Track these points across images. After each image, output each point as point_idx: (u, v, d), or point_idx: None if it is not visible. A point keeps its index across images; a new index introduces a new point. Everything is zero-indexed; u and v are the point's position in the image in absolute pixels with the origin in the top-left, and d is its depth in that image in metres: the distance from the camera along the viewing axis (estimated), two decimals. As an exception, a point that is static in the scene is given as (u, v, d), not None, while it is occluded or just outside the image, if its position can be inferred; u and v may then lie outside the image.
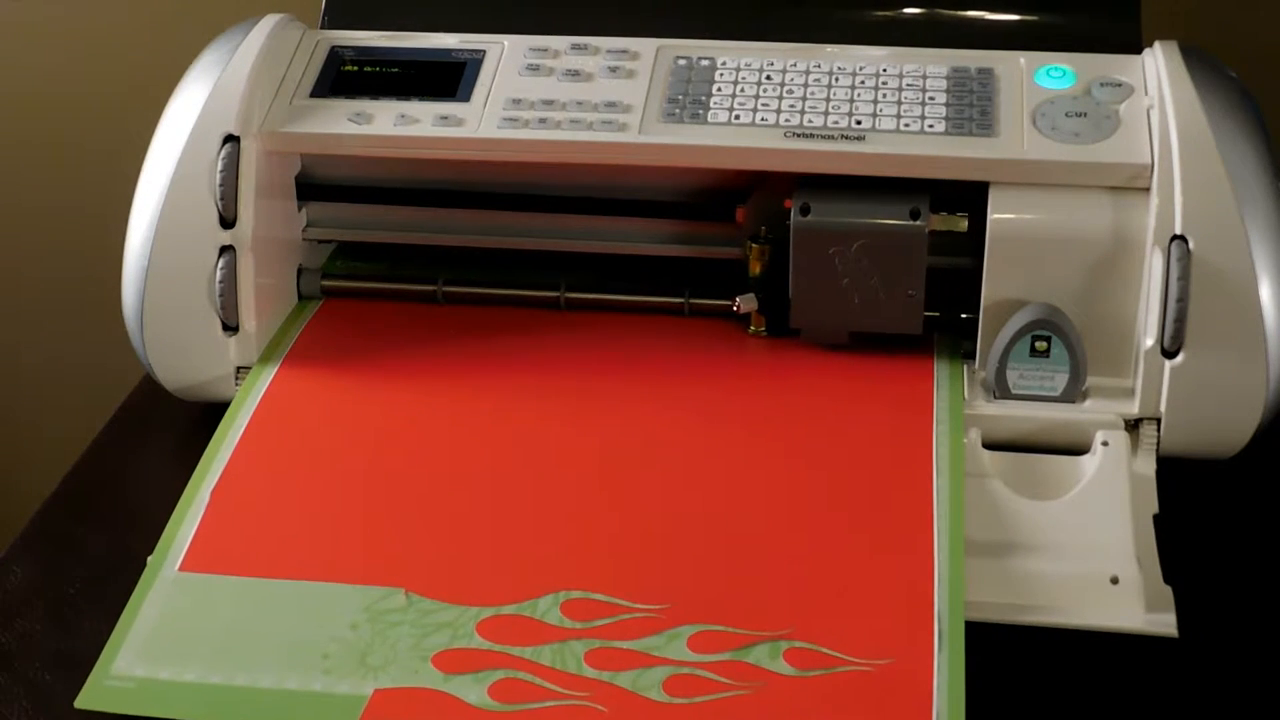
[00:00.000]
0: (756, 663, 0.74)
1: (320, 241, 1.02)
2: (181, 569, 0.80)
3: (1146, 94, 0.90)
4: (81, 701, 0.74)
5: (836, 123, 0.90)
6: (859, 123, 0.90)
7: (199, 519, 0.82)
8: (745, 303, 0.94)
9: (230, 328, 0.92)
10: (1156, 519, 0.82)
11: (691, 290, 0.96)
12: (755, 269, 0.94)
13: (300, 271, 0.99)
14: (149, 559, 0.80)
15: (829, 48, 0.95)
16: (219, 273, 0.91)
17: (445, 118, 0.93)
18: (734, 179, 0.94)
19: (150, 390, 0.97)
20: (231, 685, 0.74)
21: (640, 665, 0.74)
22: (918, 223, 0.89)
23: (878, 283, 0.90)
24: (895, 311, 0.90)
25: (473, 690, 0.73)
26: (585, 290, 0.97)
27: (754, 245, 0.93)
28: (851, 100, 0.91)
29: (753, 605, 0.76)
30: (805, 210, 0.89)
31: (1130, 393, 0.87)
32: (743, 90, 0.93)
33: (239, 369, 0.93)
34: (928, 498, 0.81)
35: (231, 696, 0.74)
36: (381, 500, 0.83)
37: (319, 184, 0.98)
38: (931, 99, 0.91)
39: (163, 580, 0.79)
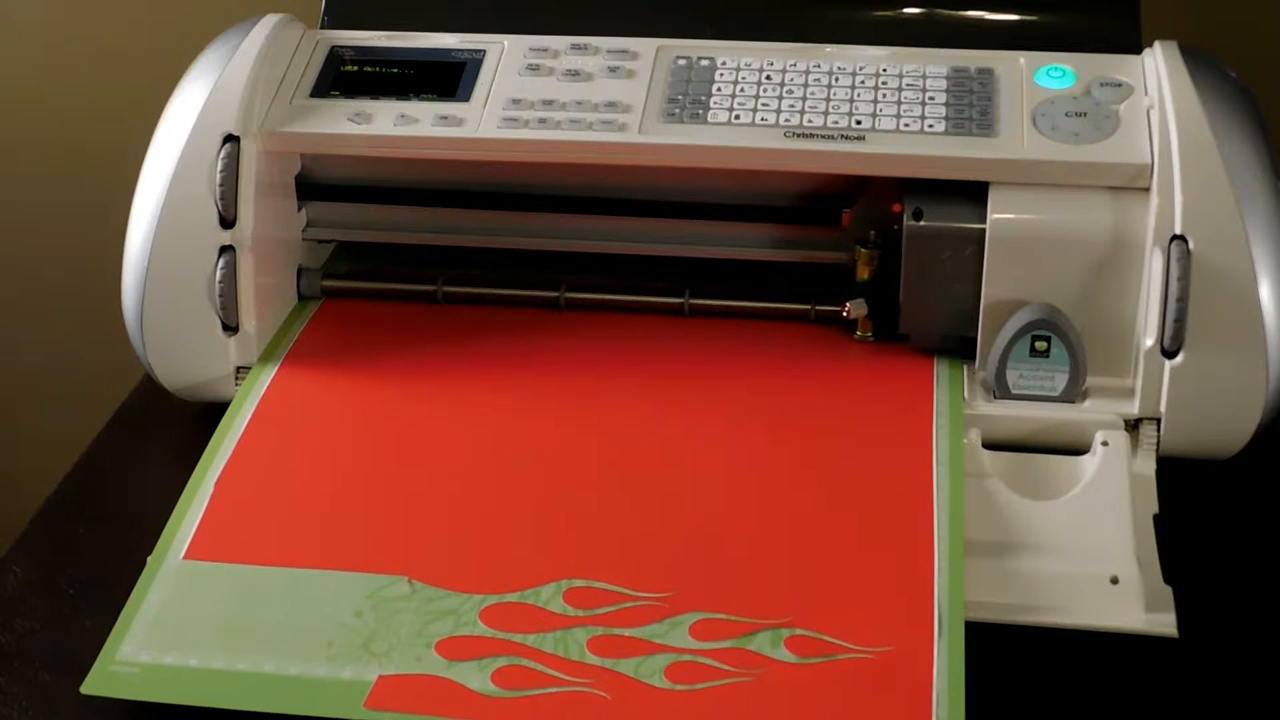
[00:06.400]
0: (758, 650, 0.74)
1: (320, 241, 1.02)
2: (186, 557, 0.80)
3: (1146, 94, 0.90)
4: (87, 687, 0.74)
5: (836, 123, 0.90)
6: (859, 123, 0.90)
7: (203, 509, 0.82)
8: (855, 308, 0.93)
9: (230, 328, 0.92)
10: (1156, 519, 0.82)
11: (692, 291, 0.96)
12: (863, 274, 0.93)
13: (300, 271, 0.99)
14: (151, 555, 0.80)
15: (829, 48, 0.95)
16: (219, 273, 0.91)
17: (445, 117, 0.93)
18: (838, 184, 0.94)
19: (150, 390, 0.97)
20: (236, 671, 0.74)
21: (642, 653, 0.74)
22: None
23: None
24: None
25: (475, 677, 0.73)
26: (588, 291, 0.97)
27: (862, 250, 0.92)
28: (851, 100, 0.91)
29: (754, 594, 0.77)
30: (918, 215, 0.89)
31: (1130, 393, 0.87)
32: (743, 90, 0.93)
33: (239, 369, 0.93)
34: (928, 497, 0.81)
35: (236, 682, 0.74)
36: (385, 490, 0.84)
37: (319, 184, 0.98)
38: (931, 99, 0.91)
39: (167, 568, 0.79)
